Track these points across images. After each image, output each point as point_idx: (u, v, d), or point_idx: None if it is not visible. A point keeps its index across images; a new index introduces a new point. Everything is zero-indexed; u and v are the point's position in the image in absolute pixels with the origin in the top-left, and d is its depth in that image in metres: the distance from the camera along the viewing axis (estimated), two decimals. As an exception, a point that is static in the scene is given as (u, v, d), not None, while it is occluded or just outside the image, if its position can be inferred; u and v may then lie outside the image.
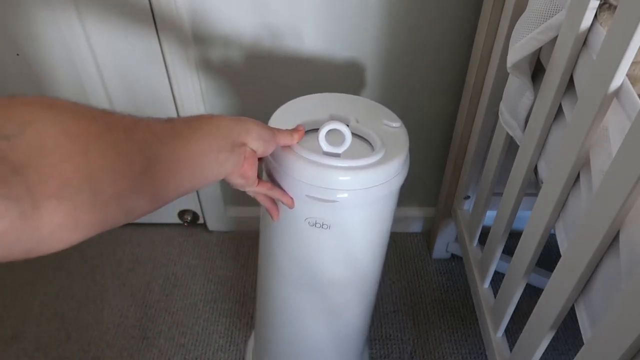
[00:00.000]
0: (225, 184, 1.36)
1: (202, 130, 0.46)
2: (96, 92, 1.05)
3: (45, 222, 0.29)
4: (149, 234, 1.30)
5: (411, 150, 1.12)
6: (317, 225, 0.65)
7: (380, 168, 0.62)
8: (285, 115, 0.69)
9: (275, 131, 0.58)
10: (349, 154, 0.62)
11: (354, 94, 1.06)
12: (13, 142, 0.28)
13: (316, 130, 0.66)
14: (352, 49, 0.95)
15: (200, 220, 1.32)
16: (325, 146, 0.62)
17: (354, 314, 0.81)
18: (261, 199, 0.64)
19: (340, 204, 0.63)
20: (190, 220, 1.30)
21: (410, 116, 1.06)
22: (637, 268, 0.43)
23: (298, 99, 0.75)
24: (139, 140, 0.37)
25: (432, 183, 1.20)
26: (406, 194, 1.24)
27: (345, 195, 0.62)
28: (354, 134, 0.67)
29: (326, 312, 0.78)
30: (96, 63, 1.01)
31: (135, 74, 1.02)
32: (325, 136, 0.61)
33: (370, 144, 0.67)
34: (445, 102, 1.04)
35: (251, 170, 0.54)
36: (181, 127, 0.44)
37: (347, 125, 0.67)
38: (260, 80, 1.01)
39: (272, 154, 0.63)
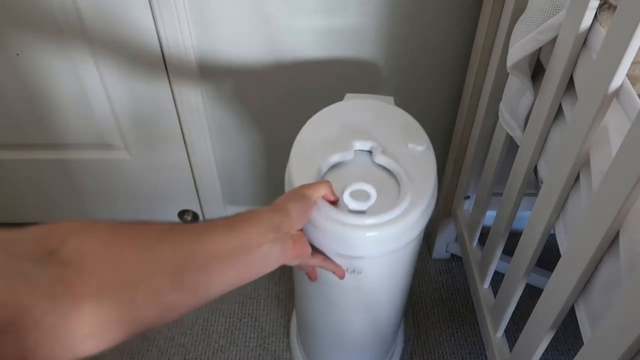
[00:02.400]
0: (224, 183, 1.34)
1: (241, 225, 0.48)
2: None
3: (87, 321, 0.32)
4: (149, 234, 1.30)
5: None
6: (349, 271, 0.67)
7: (406, 218, 0.62)
8: (307, 146, 0.71)
9: (310, 193, 0.59)
10: (376, 205, 0.63)
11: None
12: (56, 254, 0.32)
13: (343, 165, 0.67)
14: (352, 49, 0.95)
15: (200, 220, 1.32)
16: (350, 204, 0.63)
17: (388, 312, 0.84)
18: (305, 268, 0.65)
19: (370, 256, 0.65)
20: (190, 219, 1.30)
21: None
22: (637, 268, 0.43)
23: (316, 116, 0.76)
24: (172, 241, 0.40)
25: (432, 183, 1.21)
26: (406, 194, 1.24)
27: (374, 249, 0.63)
28: (380, 166, 0.68)
29: (366, 315, 0.81)
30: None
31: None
32: (350, 193, 0.63)
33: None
34: (445, 102, 1.04)
35: (303, 248, 0.56)
36: (219, 224, 0.47)
37: (373, 157, 0.69)
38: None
39: None
